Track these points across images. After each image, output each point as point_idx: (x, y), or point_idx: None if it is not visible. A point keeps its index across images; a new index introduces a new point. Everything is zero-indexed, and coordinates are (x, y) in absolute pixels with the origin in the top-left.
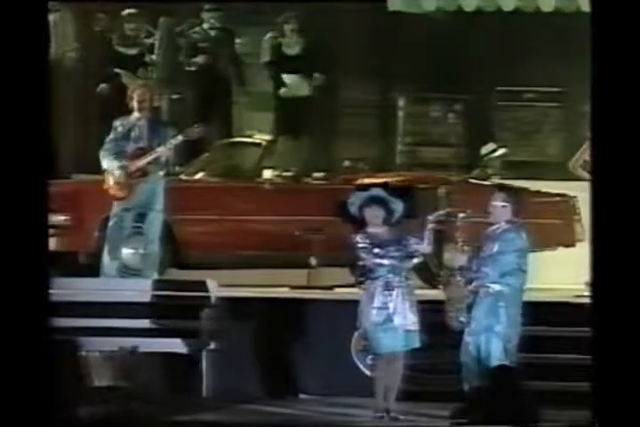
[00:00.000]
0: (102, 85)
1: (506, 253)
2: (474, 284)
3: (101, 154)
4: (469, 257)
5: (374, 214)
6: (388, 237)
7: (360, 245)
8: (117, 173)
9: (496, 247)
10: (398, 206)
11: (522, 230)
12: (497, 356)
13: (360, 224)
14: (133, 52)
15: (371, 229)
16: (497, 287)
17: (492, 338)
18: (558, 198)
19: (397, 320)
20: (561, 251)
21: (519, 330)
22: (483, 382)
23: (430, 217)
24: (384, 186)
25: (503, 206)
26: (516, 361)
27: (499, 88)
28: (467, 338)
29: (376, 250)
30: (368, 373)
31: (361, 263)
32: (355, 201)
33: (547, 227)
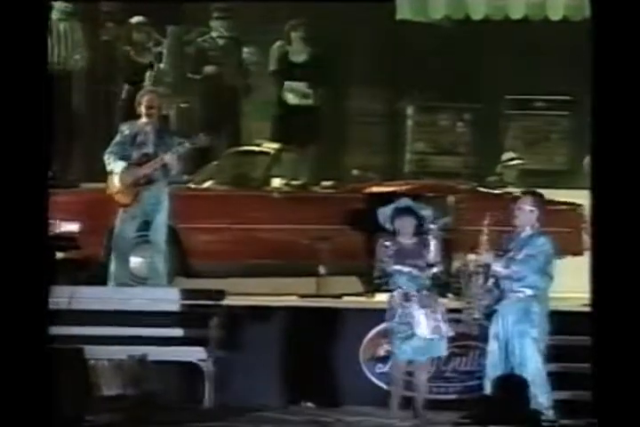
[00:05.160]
0: (115, 94)
1: (536, 258)
2: (501, 288)
3: (105, 156)
4: (494, 258)
5: (406, 224)
6: (413, 246)
7: (383, 250)
8: (121, 176)
9: (526, 251)
10: (428, 213)
11: (549, 236)
12: (536, 360)
13: (383, 232)
14: (143, 60)
15: (400, 239)
16: (529, 292)
17: (528, 343)
18: (566, 207)
19: (417, 330)
20: (568, 259)
21: (547, 335)
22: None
23: (434, 227)
24: (408, 195)
25: (530, 211)
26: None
27: (507, 97)
28: (492, 342)
29: (398, 257)
30: (376, 381)
31: (380, 266)
32: (384, 214)
33: (555, 235)
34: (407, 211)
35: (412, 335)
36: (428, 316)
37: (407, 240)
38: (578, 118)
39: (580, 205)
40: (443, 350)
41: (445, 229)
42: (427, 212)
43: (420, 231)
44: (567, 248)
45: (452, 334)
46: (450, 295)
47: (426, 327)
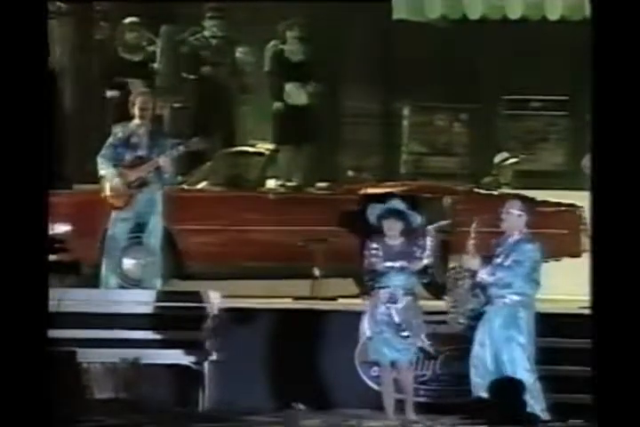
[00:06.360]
0: (106, 93)
1: (523, 263)
2: (487, 293)
3: (99, 160)
4: (480, 263)
5: (392, 226)
6: (402, 246)
7: (373, 252)
8: (115, 180)
9: (513, 257)
10: (416, 218)
11: (536, 241)
12: (524, 366)
13: (375, 233)
14: (137, 59)
15: (387, 240)
16: (515, 298)
17: (515, 349)
18: (564, 208)
19: (399, 331)
20: (566, 261)
21: (534, 341)
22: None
23: (431, 227)
24: (402, 197)
25: (519, 215)
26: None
27: (504, 97)
28: (478, 348)
29: (387, 255)
30: (371, 384)
31: (371, 268)
32: (373, 212)
33: (553, 237)
34: (395, 213)
35: (392, 336)
36: (410, 319)
37: (394, 241)
38: (575, 119)
39: (578, 207)
40: (413, 354)
41: (442, 231)
42: (415, 216)
43: (407, 233)
44: (565, 250)
45: (427, 343)
46: (446, 298)
47: (406, 330)
